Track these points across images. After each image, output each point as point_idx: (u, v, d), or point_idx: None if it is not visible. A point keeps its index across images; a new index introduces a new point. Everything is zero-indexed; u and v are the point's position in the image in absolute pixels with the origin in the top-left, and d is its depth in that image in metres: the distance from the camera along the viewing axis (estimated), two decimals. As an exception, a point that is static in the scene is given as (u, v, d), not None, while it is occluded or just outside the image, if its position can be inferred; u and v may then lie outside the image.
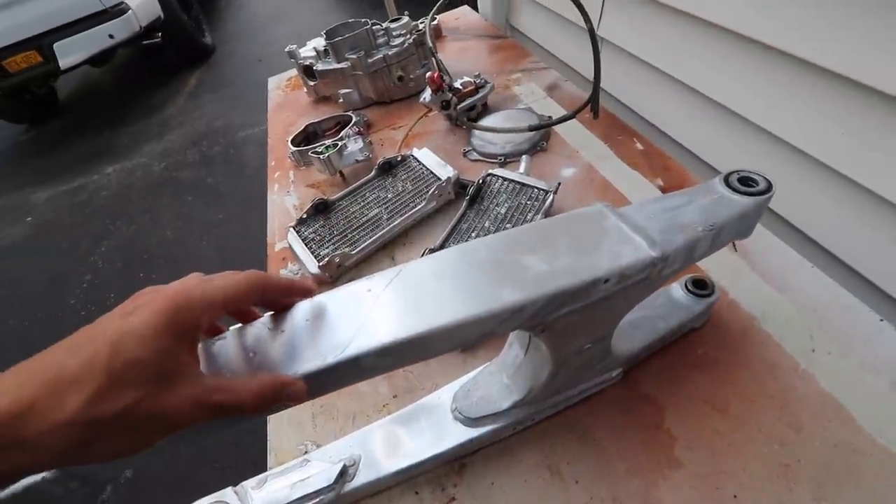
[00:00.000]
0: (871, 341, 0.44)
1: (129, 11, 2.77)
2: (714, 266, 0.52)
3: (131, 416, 0.22)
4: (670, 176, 0.65)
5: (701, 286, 0.46)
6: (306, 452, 0.46)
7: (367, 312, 0.28)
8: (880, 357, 0.42)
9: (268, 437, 0.50)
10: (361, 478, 0.42)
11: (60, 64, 2.71)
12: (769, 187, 0.35)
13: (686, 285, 0.46)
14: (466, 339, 0.29)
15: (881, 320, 0.45)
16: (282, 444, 0.49)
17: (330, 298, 0.30)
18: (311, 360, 0.26)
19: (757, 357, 0.45)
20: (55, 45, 2.65)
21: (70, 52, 2.70)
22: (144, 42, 3.13)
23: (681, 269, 0.35)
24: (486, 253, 0.31)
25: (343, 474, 0.41)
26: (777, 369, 0.43)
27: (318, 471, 0.41)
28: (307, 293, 0.30)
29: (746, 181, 0.35)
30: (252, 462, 1.23)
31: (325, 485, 0.40)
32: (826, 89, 0.52)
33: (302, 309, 0.29)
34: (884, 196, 0.50)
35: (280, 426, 0.50)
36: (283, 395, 0.26)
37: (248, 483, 0.43)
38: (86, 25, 2.67)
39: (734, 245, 0.39)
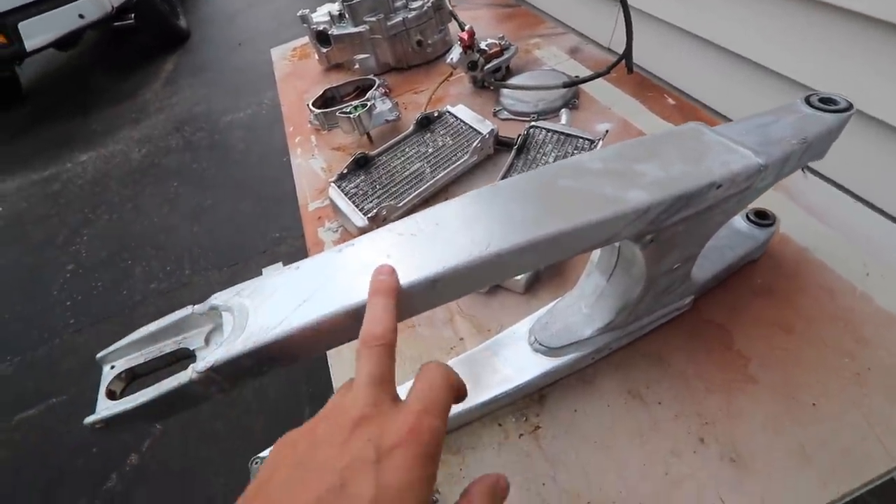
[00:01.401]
0: (920, 263, 0.47)
1: (100, -10, 2.63)
2: (760, 203, 0.54)
3: None
4: (704, 128, 0.67)
5: (763, 216, 0.47)
6: (379, 395, 0.46)
7: (500, 214, 0.28)
8: (930, 276, 0.45)
9: (333, 383, 0.49)
10: (446, 411, 0.42)
11: (27, 45, 2.55)
12: (850, 105, 0.36)
13: (748, 216, 0.48)
14: (596, 241, 0.30)
15: (925, 245, 0.48)
16: (350, 390, 0.49)
17: (455, 205, 0.30)
18: (456, 257, 0.26)
19: (814, 283, 0.47)
20: (20, 25, 2.49)
21: (37, 33, 2.55)
22: (115, 24, 2.99)
23: (771, 183, 0.37)
24: (601, 164, 0.32)
25: (430, 406, 0.41)
26: (835, 292, 0.46)
27: (404, 404, 0.41)
28: None
29: (828, 101, 0.37)
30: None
31: (414, 416, 0.40)
32: (845, 27, 0.55)
33: (429, 215, 0.29)
34: None
35: (344, 371, 0.50)
36: (503, 486, 0.24)
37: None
38: (53, 4, 2.52)
39: (804, 170, 0.40)
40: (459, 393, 0.25)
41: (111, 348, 0.29)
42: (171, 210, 2.16)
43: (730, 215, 0.36)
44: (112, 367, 0.29)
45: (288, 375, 1.32)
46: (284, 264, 0.31)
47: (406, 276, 0.26)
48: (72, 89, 3.39)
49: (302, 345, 0.26)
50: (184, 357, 0.29)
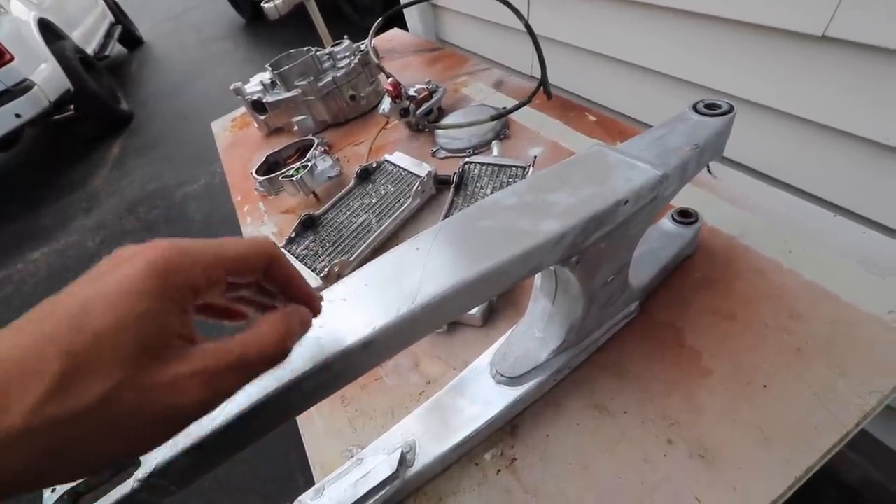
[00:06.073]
0: (833, 233, 0.50)
1: (35, 87, 2.60)
2: (685, 202, 0.57)
3: (113, 407, 0.17)
4: (627, 137, 0.71)
5: (686, 215, 0.50)
6: (353, 456, 0.45)
7: (423, 265, 0.29)
8: (844, 244, 0.49)
9: (307, 453, 0.48)
10: (421, 461, 0.42)
11: (-38, 152, 2.48)
12: (731, 108, 0.40)
13: (673, 217, 0.50)
14: (521, 274, 0.31)
15: (835, 216, 0.52)
16: (324, 456, 0.48)
17: (381, 263, 0.31)
18: (386, 315, 0.27)
19: (746, 267, 0.50)
20: (-47, 134, 2.44)
21: (-28, 138, 2.49)
22: (55, 117, 2.96)
23: (677, 190, 0.39)
24: (515, 199, 0.34)
25: (403, 460, 0.41)
26: (765, 273, 0.49)
27: (377, 464, 0.41)
28: (312, 299, 0.25)
29: (712, 106, 0.40)
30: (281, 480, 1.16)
31: (388, 474, 0.40)
32: (732, 35, 0.61)
33: (356, 277, 0.30)
34: (804, 117, 0.58)
35: (317, 438, 0.49)
36: (305, 316, 0.24)
37: (305, 496, 0.41)
38: (-14, 108, 2.48)
39: (709, 169, 0.44)
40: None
41: (51, 470, 0.28)
42: (133, 294, 2.09)
43: (646, 224, 0.38)
44: (53, 491, 0.28)
45: (276, 447, 1.27)
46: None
47: (339, 344, 0.26)
48: (17, 188, 3.30)
49: (245, 432, 0.26)
50: (128, 465, 0.28)
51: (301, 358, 0.26)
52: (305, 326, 0.24)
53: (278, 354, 0.22)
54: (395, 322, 0.27)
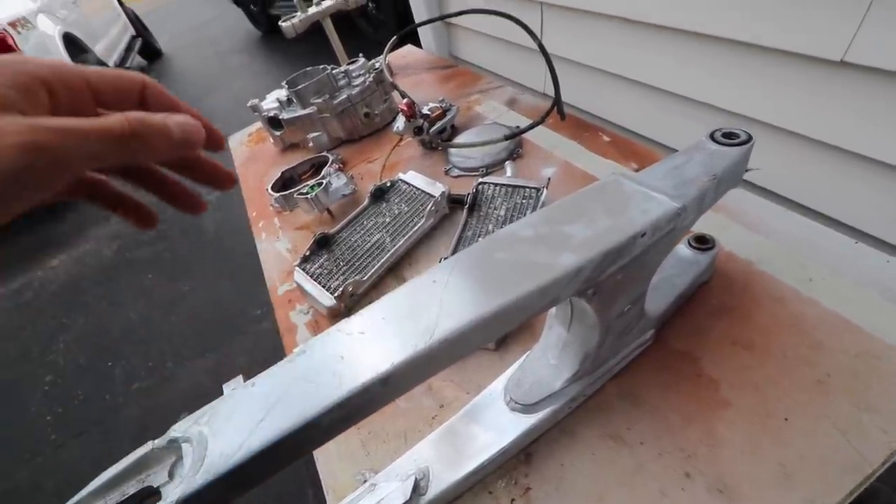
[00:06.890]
0: (854, 261, 0.49)
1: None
2: (701, 228, 0.57)
3: None
4: (641, 158, 0.71)
5: (703, 241, 0.50)
6: (366, 481, 0.45)
7: (440, 299, 0.29)
8: (865, 272, 0.48)
9: (321, 477, 0.48)
10: (434, 489, 0.41)
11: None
12: (750, 137, 0.40)
13: (690, 243, 0.50)
14: (537, 308, 0.31)
15: (856, 242, 0.51)
16: (337, 480, 0.48)
17: (397, 296, 0.31)
18: (403, 350, 0.27)
19: (764, 295, 0.49)
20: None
21: None
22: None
23: (694, 220, 0.39)
24: (530, 231, 0.34)
25: (416, 488, 0.41)
26: (784, 301, 0.48)
27: (390, 491, 0.41)
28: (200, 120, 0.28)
29: (730, 135, 0.40)
30: None
31: (402, 501, 0.39)
32: (750, 59, 0.60)
33: (374, 310, 0.30)
34: (823, 141, 0.57)
35: (330, 461, 0.49)
36: (189, 125, 0.25)
37: (318, 522, 0.41)
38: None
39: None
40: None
41: (70, 502, 0.28)
42: (147, 302, 2.12)
43: (664, 255, 0.38)
44: (74, 519, 0.28)
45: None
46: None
47: (358, 379, 0.27)
48: (37, 196, 3.39)
49: (265, 466, 0.26)
50: (149, 495, 0.28)
51: (320, 393, 0.26)
52: (195, 137, 0.26)
53: (119, 137, 0.22)
54: (412, 357, 0.27)
